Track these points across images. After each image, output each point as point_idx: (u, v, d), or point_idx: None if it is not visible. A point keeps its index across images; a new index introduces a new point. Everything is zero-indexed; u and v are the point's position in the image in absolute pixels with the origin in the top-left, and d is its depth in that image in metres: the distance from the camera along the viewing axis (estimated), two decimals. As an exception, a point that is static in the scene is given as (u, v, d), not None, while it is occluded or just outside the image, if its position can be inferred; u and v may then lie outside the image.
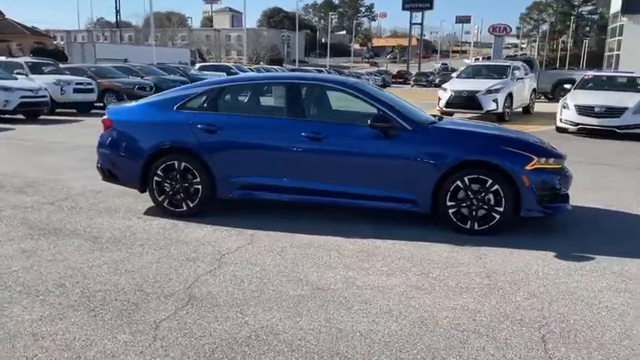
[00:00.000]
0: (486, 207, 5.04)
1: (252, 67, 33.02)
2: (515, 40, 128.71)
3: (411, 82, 58.20)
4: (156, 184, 5.58)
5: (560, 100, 13.75)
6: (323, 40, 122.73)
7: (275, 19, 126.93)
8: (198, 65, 31.77)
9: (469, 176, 5.02)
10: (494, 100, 14.80)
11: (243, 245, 4.78)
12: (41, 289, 3.77)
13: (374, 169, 5.23)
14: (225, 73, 27.01)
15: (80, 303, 3.56)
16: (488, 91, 14.85)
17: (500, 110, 14.88)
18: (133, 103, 6.05)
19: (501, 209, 5.00)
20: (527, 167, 4.98)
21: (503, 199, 4.98)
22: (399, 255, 4.58)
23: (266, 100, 6.04)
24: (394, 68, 77.89)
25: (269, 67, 37.76)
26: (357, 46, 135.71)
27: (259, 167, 5.43)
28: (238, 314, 3.44)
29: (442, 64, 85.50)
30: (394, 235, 5.04)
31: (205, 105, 5.68)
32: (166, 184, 5.55)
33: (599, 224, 5.68)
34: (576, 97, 13.04)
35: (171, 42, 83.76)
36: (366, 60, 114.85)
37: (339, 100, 5.91)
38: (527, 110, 17.79)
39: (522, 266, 4.36)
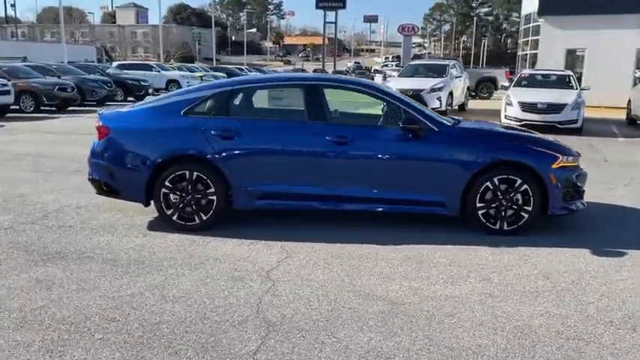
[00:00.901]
0: (515, 207, 5.06)
1: (173, 66, 31.69)
2: (419, 40, 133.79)
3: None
4: (163, 197, 5.10)
5: (504, 98, 14.34)
6: (233, 38, 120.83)
7: (182, 15, 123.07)
8: (116, 63, 30.00)
9: (498, 177, 5.02)
10: (438, 99, 15.18)
11: (283, 259, 4.47)
12: (91, 326, 3.28)
13: (402, 173, 5.10)
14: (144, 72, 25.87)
15: (149, 339, 3.13)
16: (432, 90, 15.21)
17: (443, 108, 15.27)
18: (129, 109, 5.50)
19: (530, 208, 5.05)
20: (554, 166, 5.06)
21: (531, 198, 5.02)
22: (447, 260, 4.48)
23: (282, 103, 5.71)
24: (309, 66, 78.27)
25: (192, 65, 36.41)
26: (268, 44, 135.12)
27: (281, 174, 5.12)
28: (332, 338, 3.18)
29: (355, 62, 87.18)
30: (428, 240, 4.94)
31: (216, 109, 5.26)
32: (175, 197, 5.09)
33: (592, 217, 5.86)
34: (519, 95, 13.66)
35: (73, 39, 78.65)
36: (279, 58, 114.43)
37: (349, 101, 5.73)
38: (462, 107, 18.45)
39: (569, 265, 4.41)
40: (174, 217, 5.14)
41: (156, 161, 5.05)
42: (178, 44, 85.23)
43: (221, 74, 36.34)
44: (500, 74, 27.70)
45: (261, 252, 4.63)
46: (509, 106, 13.52)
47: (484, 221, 5.10)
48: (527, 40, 27.03)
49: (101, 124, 5.24)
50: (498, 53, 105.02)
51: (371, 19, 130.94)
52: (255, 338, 3.16)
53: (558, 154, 5.13)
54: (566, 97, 13.25)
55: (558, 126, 12.96)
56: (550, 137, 5.82)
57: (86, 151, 5.46)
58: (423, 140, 5.05)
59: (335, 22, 74.30)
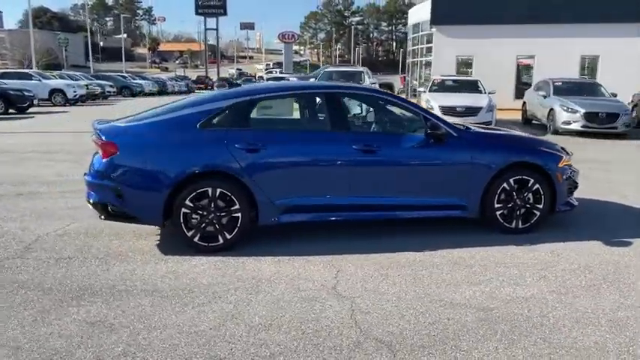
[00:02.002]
0: (528, 206, 5.34)
1: (54, 74, 29.09)
2: (295, 47, 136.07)
3: (215, 88, 57.49)
4: (184, 217, 4.68)
5: (423, 103, 15.04)
6: (102, 44, 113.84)
7: (42, 19, 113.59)
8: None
9: (513, 177, 5.26)
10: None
11: (336, 274, 4.31)
12: (203, 368, 2.92)
13: (428, 178, 5.16)
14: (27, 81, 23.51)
15: (281, 375, 2.85)
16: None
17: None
18: (133, 122, 4.96)
19: (541, 206, 5.35)
20: (560, 165, 5.42)
21: (542, 197, 5.33)
22: (491, 262, 4.60)
23: (301, 112, 5.49)
24: (190, 74, 76.10)
25: (73, 73, 33.60)
26: (141, 51, 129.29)
27: (308, 186, 4.93)
28: (460, 351, 3.12)
29: (237, 69, 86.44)
30: (454, 243, 5.02)
31: (236, 121, 4.94)
32: (196, 216, 4.70)
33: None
34: (438, 99, 14.43)
35: None
36: (156, 65, 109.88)
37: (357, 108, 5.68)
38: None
39: (600, 259, 4.69)
40: (196, 239, 4.74)
41: (176, 179, 4.62)
42: (42, 50, 78.44)
43: (106, 82, 34.30)
44: (396, 80, 29.08)
45: (307, 268, 4.42)
46: (430, 110, 14.20)
47: (501, 221, 5.32)
48: (417, 49, 28.64)
49: (105, 140, 4.68)
50: (371, 60, 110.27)
51: (247, 26, 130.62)
52: (387, 360, 3.01)
53: (562, 154, 5.50)
54: (480, 100, 14.25)
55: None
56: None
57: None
58: (444, 145, 5.15)
59: (216, 29, 73.35)
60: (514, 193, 5.28)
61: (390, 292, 3.96)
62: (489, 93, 15.35)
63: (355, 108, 5.39)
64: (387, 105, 5.41)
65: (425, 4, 26.70)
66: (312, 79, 16.92)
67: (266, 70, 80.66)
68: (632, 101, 16.65)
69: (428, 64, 26.50)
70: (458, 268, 4.47)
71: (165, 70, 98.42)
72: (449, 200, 5.23)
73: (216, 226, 4.74)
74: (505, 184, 5.25)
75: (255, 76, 66.15)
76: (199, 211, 4.70)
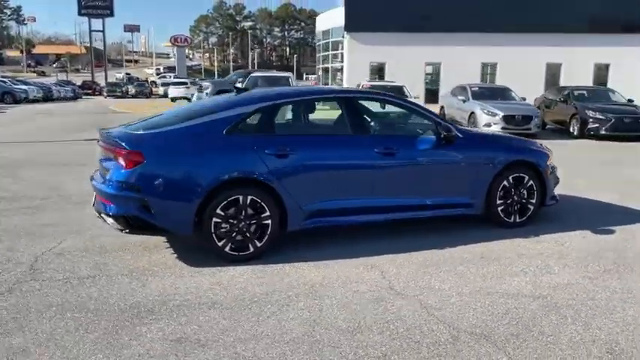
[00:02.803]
0: (523, 201, 5.76)
1: None
2: (186, 51, 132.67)
3: (104, 94, 54.36)
4: (214, 227, 4.52)
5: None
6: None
7: None
8: None
9: (512, 175, 5.66)
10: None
11: (383, 275, 4.38)
12: None
13: (441, 178, 5.39)
14: None
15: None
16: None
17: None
18: (155, 130, 4.68)
19: (534, 201, 5.81)
20: (548, 162, 5.91)
21: (535, 192, 5.79)
22: (516, 254, 4.90)
23: (322, 116, 5.46)
24: (73, 78, 71.24)
25: None
26: (12, 53, 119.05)
27: (334, 190, 4.96)
28: (549, 336, 3.35)
29: (126, 73, 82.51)
30: (466, 239, 5.28)
31: (261, 126, 4.85)
32: (225, 225, 4.55)
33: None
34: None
35: None
36: (31, 69, 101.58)
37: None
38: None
39: (599, 246, 5.15)
40: (227, 249, 4.59)
41: (207, 187, 4.45)
42: None
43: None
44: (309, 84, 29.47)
45: (350, 271, 4.45)
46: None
47: (502, 216, 5.69)
48: (329, 54, 29.28)
49: (129, 149, 4.39)
50: (265, 65, 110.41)
51: (132, 29, 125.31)
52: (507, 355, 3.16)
53: (548, 152, 6.00)
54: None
55: None
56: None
57: None
58: (454, 146, 5.41)
59: (103, 31, 69.46)
60: (512, 190, 5.68)
61: (446, 288, 4.11)
62: (415, 97, 16.12)
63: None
64: (406, 110, 5.58)
65: (335, 11, 27.42)
66: (238, 84, 16.72)
67: (158, 74, 77.67)
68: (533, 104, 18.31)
69: (340, 70, 27.20)
70: (487, 262, 4.72)
71: (43, 74, 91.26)
72: (459, 199, 5.50)
73: (247, 234, 4.62)
74: (505, 182, 5.63)
75: (147, 81, 63.43)
76: (230, 220, 4.55)
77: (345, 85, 24.69)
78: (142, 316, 3.59)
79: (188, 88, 40.45)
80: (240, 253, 4.62)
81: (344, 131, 5.14)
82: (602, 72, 24.01)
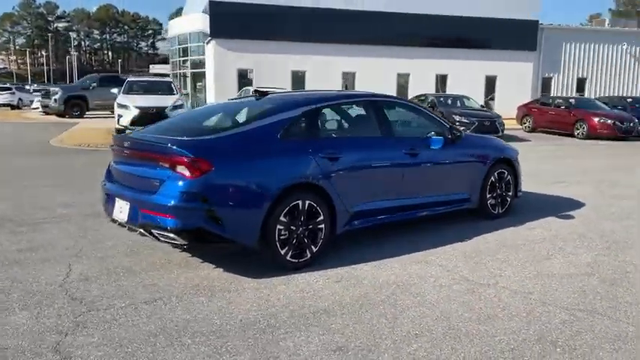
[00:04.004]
0: (503, 194, 6.44)
1: None
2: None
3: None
4: (278, 234, 4.36)
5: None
6: None
7: None
8: None
9: (497, 171, 6.29)
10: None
11: (449, 270, 4.61)
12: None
13: (450, 175, 5.78)
14: None
15: None
16: (174, 107, 14.83)
17: None
18: (214, 135, 4.35)
19: (511, 194, 6.52)
20: (518, 158, 6.67)
21: (512, 186, 6.50)
22: (526, 239, 5.47)
23: (352, 119, 5.42)
24: None
25: None
26: None
27: (373, 191, 5.06)
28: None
29: None
30: (475, 232, 5.75)
31: (308, 130, 4.76)
32: (285, 232, 4.42)
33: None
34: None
35: None
36: None
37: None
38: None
39: (582, 229, 5.95)
40: (289, 256, 4.45)
41: (275, 194, 4.27)
42: None
43: None
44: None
45: (409, 268, 4.60)
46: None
47: (490, 208, 6.29)
48: (181, 60, 28.34)
49: (194, 156, 4.02)
50: (85, 70, 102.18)
51: None
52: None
53: (516, 150, 6.76)
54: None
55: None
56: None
57: None
58: (458, 146, 5.86)
59: None
60: (496, 184, 6.31)
61: (510, 275, 4.48)
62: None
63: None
64: (414, 112, 5.85)
65: (195, 16, 26.71)
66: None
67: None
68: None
69: (200, 75, 26.54)
70: (514, 249, 5.20)
71: None
72: (461, 194, 5.95)
73: (305, 240, 4.53)
74: (492, 177, 6.23)
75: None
76: (291, 227, 4.42)
77: (212, 91, 24.19)
78: (274, 331, 3.37)
79: (13, 94, 36.34)
80: (300, 260, 4.51)
81: (375, 133, 5.26)
82: (442, 80, 26.88)
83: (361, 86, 24.70)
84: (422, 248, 5.12)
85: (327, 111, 5.10)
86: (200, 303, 3.82)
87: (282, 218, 4.34)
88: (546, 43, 28.47)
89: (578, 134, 18.89)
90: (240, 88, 24.01)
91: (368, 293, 4.03)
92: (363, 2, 24.33)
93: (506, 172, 6.39)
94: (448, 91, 25.19)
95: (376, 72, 25.01)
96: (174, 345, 3.19)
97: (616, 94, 28.10)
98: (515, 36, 26.81)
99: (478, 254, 5.01)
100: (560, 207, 7.08)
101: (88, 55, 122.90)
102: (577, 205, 7.27)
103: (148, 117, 14.41)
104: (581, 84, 29.81)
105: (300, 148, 4.55)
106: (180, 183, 4.01)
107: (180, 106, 15.12)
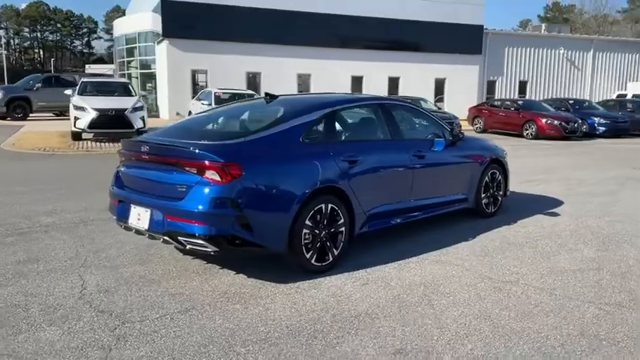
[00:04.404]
0: (496, 193, 6.64)
1: None
2: None
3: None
4: (304, 238, 4.33)
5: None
6: None
7: None
8: None
9: (490, 171, 6.49)
10: (141, 118, 14.51)
11: (468, 268, 4.72)
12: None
13: (450, 176, 5.91)
14: None
15: None
16: (135, 109, 14.40)
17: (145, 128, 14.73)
18: (237, 140, 4.22)
19: (502, 193, 6.74)
20: (506, 158, 6.90)
21: (502, 185, 6.73)
22: (527, 237, 5.67)
23: (364, 122, 5.39)
24: None
25: None
26: None
27: (386, 193, 5.10)
28: (649, 295, 4.13)
29: None
30: (474, 232, 5.90)
31: (326, 133, 4.74)
32: (311, 236, 4.39)
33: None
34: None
35: None
36: None
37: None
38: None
39: (572, 227, 6.22)
40: (313, 260, 4.42)
41: (302, 197, 4.22)
42: None
43: None
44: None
45: (433, 267, 4.67)
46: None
47: (484, 207, 6.47)
48: (135, 60, 27.47)
49: (223, 161, 3.91)
50: (15, 70, 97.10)
51: None
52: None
53: (504, 149, 6.98)
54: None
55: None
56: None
57: None
58: (458, 147, 6.00)
59: None
60: (489, 184, 6.51)
61: (524, 272, 4.62)
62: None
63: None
64: (416, 114, 5.93)
65: (144, 15, 25.94)
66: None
67: None
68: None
69: (149, 76, 25.81)
70: (518, 247, 5.37)
71: None
72: (460, 195, 6.09)
73: (327, 243, 4.51)
74: (487, 177, 6.42)
75: None
76: (315, 230, 4.40)
77: (166, 92, 23.53)
78: (325, 336, 3.35)
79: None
80: (323, 264, 4.48)
81: (386, 136, 5.30)
82: (394, 83, 27.36)
83: (316, 88, 24.79)
84: (432, 248, 5.21)
85: (342, 114, 5.09)
86: (237, 310, 3.73)
87: (307, 222, 4.30)
88: (490, 48, 29.54)
89: (527, 135, 19.70)
90: (194, 89, 23.57)
91: (400, 295, 4.06)
92: (317, 4, 24.41)
93: (498, 172, 6.60)
94: (400, 94, 25.61)
95: (331, 74, 25.14)
96: (230, 355, 3.11)
97: (554, 96, 29.53)
98: (462, 40, 27.65)
99: (488, 253, 5.15)
100: (542, 205, 7.37)
101: (17, 54, 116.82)
102: (556, 202, 7.59)
103: (107, 119, 13.97)
104: (522, 86, 31.12)
105: (321, 151, 4.53)
106: (211, 188, 3.90)
107: (141, 108, 14.66)
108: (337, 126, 4.90)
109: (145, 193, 4.28)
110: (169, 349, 3.17)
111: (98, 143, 14.24)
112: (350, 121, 5.21)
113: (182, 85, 23.06)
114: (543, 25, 37.42)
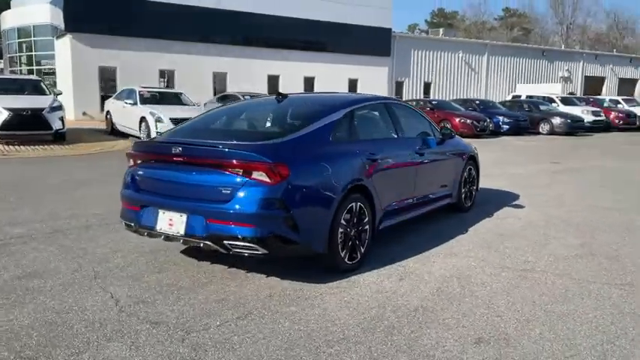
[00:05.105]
0: (471, 188, 7.02)
1: None
2: None
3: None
4: (338, 237, 4.33)
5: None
6: None
7: None
8: None
9: (468, 167, 6.85)
10: (60, 119, 13.50)
11: (482, 259, 4.96)
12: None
13: (441, 172, 6.15)
14: None
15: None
16: (52, 109, 13.36)
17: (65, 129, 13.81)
18: (277, 140, 4.10)
19: (475, 187, 7.13)
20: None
21: (475, 180, 7.12)
22: (511, 230, 6.06)
23: (374, 121, 5.39)
24: None
25: None
26: None
27: (397, 190, 5.22)
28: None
29: None
30: (465, 223, 6.24)
31: (348, 131, 4.75)
32: (343, 234, 4.40)
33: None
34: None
35: None
36: None
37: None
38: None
39: (546, 216, 6.76)
40: (346, 259, 4.44)
41: (339, 196, 4.23)
42: None
43: None
44: None
45: (447, 260, 4.87)
46: (159, 122, 13.74)
47: (463, 202, 6.82)
48: (31, 55, 25.33)
49: (272, 161, 3.81)
50: None
51: None
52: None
53: (474, 146, 7.38)
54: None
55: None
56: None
57: None
58: (444, 145, 6.26)
59: None
60: (467, 179, 6.86)
61: (533, 260, 4.94)
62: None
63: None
64: (411, 113, 6.06)
65: (39, 7, 23.99)
66: None
67: None
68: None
69: (48, 74, 23.94)
70: (511, 238, 5.69)
71: None
72: (446, 190, 6.36)
73: (356, 241, 4.55)
74: (465, 173, 6.77)
75: None
76: (347, 229, 4.42)
77: (70, 90, 21.89)
78: (400, 331, 3.39)
79: None
80: (353, 262, 4.51)
81: (392, 134, 5.41)
82: (309, 83, 27.66)
83: (233, 87, 24.40)
84: (436, 244, 5.39)
85: (359, 113, 5.10)
86: (296, 313, 3.66)
87: (342, 221, 4.30)
88: (398, 50, 30.82)
89: (442, 133, 20.78)
90: (103, 87, 22.26)
91: (441, 288, 4.19)
92: (232, 2, 24.03)
93: (472, 168, 6.97)
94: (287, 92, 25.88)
95: (248, 73, 24.90)
96: (320, 356, 3.06)
97: (455, 97, 31.44)
98: (373, 43, 28.59)
99: (489, 244, 5.43)
100: (504, 198, 7.88)
101: None
102: (514, 196, 8.15)
103: (21, 120, 12.83)
104: (427, 88, 32.80)
105: (349, 149, 4.56)
106: (260, 190, 3.78)
107: (59, 108, 13.62)
108: (357, 125, 4.93)
109: (177, 197, 4.04)
110: (258, 355, 3.05)
111: (12, 147, 13.00)
112: (365, 120, 5.25)
113: (88, 84, 21.70)
114: (441, 30, 39.62)
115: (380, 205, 4.85)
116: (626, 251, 5.29)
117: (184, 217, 3.96)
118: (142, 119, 14.31)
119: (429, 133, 6.00)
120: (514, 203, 7.54)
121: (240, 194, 3.79)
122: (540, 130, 23.39)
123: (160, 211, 4.09)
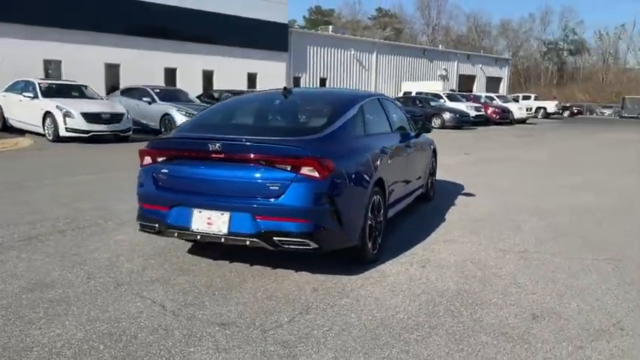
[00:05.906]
0: (432, 178, 7.41)
1: None
2: None
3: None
4: (368, 228, 4.43)
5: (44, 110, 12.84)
6: None
7: None
8: None
9: (432, 159, 7.24)
10: None
11: (482, 244, 5.31)
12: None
13: (417, 164, 6.42)
14: None
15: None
16: None
17: None
18: (315, 135, 4.07)
19: (434, 178, 7.55)
20: (433, 147, 7.71)
21: (435, 171, 7.54)
22: (486, 217, 6.51)
23: (375, 116, 5.43)
24: None
25: None
26: None
27: (398, 182, 5.40)
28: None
29: None
30: (431, 215, 6.60)
31: (362, 125, 4.81)
32: (369, 225, 4.52)
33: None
34: (76, 106, 13.30)
35: None
36: None
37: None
38: None
39: (505, 205, 7.33)
40: (372, 250, 4.55)
41: (371, 190, 4.35)
42: None
43: None
44: None
45: (451, 246, 5.16)
46: (68, 117, 12.70)
47: (429, 192, 7.19)
48: None
49: (321, 157, 3.80)
50: None
51: None
52: None
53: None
54: (118, 106, 13.81)
55: (120, 134, 13.52)
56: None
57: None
58: (419, 138, 6.55)
59: None
60: (431, 170, 7.25)
61: (519, 242, 5.37)
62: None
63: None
64: (393, 108, 6.22)
65: None
66: None
67: None
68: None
69: None
70: (483, 224, 6.09)
71: None
72: (422, 181, 6.67)
73: (377, 233, 4.67)
74: (431, 165, 7.15)
75: None
76: (372, 220, 4.52)
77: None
78: (461, 314, 3.57)
79: None
80: (374, 252, 4.62)
81: (389, 128, 5.58)
82: (207, 76, 26.95)
83: (128, 80, 23.04)
84: (427, 232, 5.64)
85: (367, 108, 5.16)
86: (352, 305, 3.67)
87: (369, 214, 4.40)
88: (295, 46, 31.04)
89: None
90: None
91: (464, 272, 4.43)
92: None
93: (434, 160, 7.37)
94: (215, 87, 25.36)
95: (143, 65, 23.61)
96: (405, 338, 3.14)
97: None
98: (271, 37, 28.51)
99: (472, 231, 5.77)
100: (451, 188, 8.39)
101: None
102: (459, 186, 8.69)
103: None
104: (323, 83, 33.42)
105: (368, 143, 4.65)
106: (311, 184, 3.75)
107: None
108: (367, 119, 5.01)
109: (216, 195, 3.86)
110: (351, 346, 3.06)
111: None
112: (371, 115, 5.33)
113: (36, 76, 19.28)
114: (330, 27, 40.52)
115: (388, 196, 4.99)
116: (587, 229, 5.94)
117: (226, 215, 3.80)
118: (47, 114, 13.14)
119: (408, 127, 6.25)
120: (464, 192, 8.06)
121: (292, 189, 3.73)
122: (433, 124, 24.94)
123: (195, 210, 3.89)
